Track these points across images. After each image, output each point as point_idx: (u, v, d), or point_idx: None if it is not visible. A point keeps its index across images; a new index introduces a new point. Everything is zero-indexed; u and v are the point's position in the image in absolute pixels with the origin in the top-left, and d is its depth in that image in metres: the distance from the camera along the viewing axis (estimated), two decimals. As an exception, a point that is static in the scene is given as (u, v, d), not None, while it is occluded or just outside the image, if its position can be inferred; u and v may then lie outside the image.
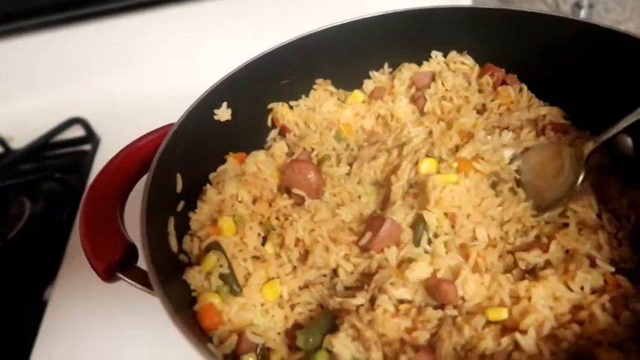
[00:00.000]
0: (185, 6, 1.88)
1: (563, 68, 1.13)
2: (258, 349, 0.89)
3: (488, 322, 0.84)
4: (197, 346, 0.74)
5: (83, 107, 1.85)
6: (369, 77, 1.32)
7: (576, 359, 0.78)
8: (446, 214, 0.98)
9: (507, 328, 0.83)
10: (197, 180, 1.09)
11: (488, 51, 1.24)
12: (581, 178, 0.97)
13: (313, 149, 1.18)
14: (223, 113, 1.15)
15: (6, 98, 1.94)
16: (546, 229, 0.97)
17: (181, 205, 1.02)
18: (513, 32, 1.17)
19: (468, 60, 1.26)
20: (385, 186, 1.09)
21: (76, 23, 1.88)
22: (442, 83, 1.24)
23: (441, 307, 0.88)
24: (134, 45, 1.90)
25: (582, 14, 1.76)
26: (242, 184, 1.08)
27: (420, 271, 0.91)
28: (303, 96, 1.29)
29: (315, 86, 1.29)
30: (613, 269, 0.88)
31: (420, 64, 1.30)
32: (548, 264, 0.91)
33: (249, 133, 1.22)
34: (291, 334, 0.92)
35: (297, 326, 0.94)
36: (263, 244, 1.04)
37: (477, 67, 1.26)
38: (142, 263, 0.85)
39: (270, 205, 1.09)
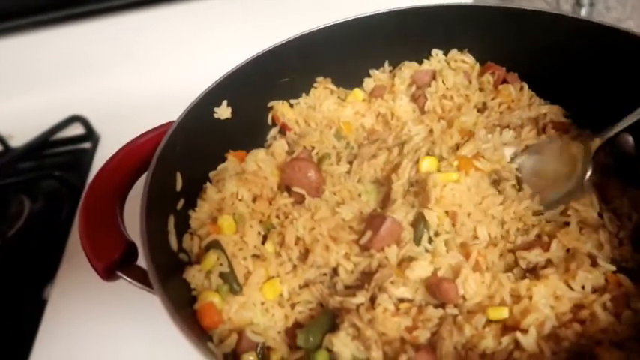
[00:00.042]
0: (185, 4, 1.88)
1: (564, 67, 1.12)
2: (258, 348, 0.89)
3: (489, 321, 0.84)
4: (197, 345, 0.74)
5: (83, 105, 1.84)
6: (369, 75, 1.32)
7: (577, 358, 0.78)
8: (447, 212, 0.98)
9: (508, 327, 0.83)
10: (197, 178, 1.08)
11: (488, 49, 1.24)
12: (589, 173, 0.97)
13: (313, 147, 1.18)
14: (223, 111, 1.14)
15: (5, 96, 1.94)
16: (547, 228, 0.96)
17: (181, 203, 1.02)
18: (514, 30, 1.17)
19: (469, 58, 1.26)
20: (385, 184, 1.09)
21: (76, 21, 1.87)
22: (443, 82, 1.23)
23: (442, 305, 0.88)
24: (134, 43, 1.89)
25: (583, 12, 1.76)
26: (242, 182, 1.07)
27: (421, 269, 0.90)
28: (304, 94, 1.29)
29: (315, 84, 1.29)
30: (614, 268, 0.87)
31: (420, 62, 1.29)
32: (549, 263, 0.90)
33: (250, 132, 1.22)
34: (291, 332, 0.92)
35: (298, 325, 0.94)
36: (263, 242, 1.03)
37: (477, 66, 1.26)
38: (142, 262, 0.85)
39: (271, 204, 1.08)
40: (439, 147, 1.08)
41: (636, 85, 0.99)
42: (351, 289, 0.94)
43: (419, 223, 0.97)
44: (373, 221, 0.98)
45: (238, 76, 1.14)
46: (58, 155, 1.81)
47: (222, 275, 0.93)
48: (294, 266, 1.00)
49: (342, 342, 0.84)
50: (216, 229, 0.99)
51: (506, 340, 0.80)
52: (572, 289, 0.84)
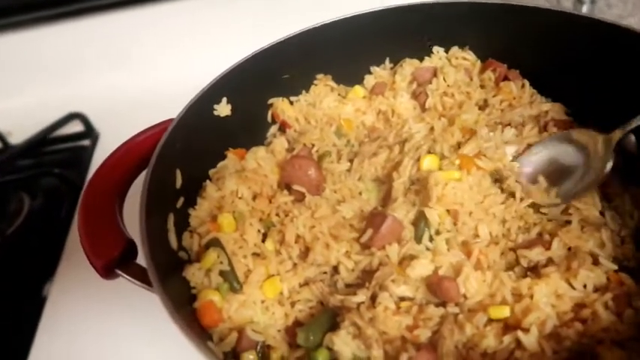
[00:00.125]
0: (186, 1, 1.87)
1: (565, 64, 1.12)
2: (259, 347, 0.89)
3: (490, 320, 0.83)
4: (197, 344, 0.74)
5: (82, 102, 1.84)
6: (369, 73, 1.31)
7: (579, 358, 0.78)
8: (448, 211, 0.97)
9: (509, 326, 0.82)
10: (197, 176, 1.08)
11: (490, 46, 1.24)
12: (609, 165, 0.96)
13: (314, 145, 1.18)
14: (223, 108, 1.14)
15: (4, 93, 1.93)
16: (548, 227, 0.96)
17: (181, 201, 1.01)
18: (515, 27, 1.17)
19: (470, 55, 1.26)
20: (386, 182, 1.09)
21: (75, 18, 1.87)
22: (444, 79, 1.23)
23: (443, 304, 0.87)
24: (134, 40, 1.88)
25: (584, 9, 1.75)
26: (242, 180, 1.07)
27: (422, 268, 0.90)
28: (304, 91, 1.28)
29: (315, 81, 1.29)
30: (616, 267, 0.87)
31: (421, 59, 1.29)
32: (550, 261, 0.90)
33: (249, 129, 1.22)
34: (291, 331, 0.92)
35: (298, 324, 0.94)
36: (263, 240, 1.03)
37: (478, 63, 1.25)
38: (141, 260, 0.84)
39: (271, 202, 1.08)
40: (440, 145, 1.08)
41: (638, 82, 0.98)
42: (352, 288, 0.94)
43: (420, 221, 0.96)
44: (374, 219, 0.98)
45: (238, 73, 1.13)
46: (58, 152, 1.81)
47: (222, 273, 0.92)
48: (295, 264, 1.00)
49: (343, 341, 0.83)
50: (216, 227, 0.99)
51: (507, 339, 0.80)
52: (573, 288, 0.84)
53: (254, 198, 1.08)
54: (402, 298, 0.89)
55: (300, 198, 1.08)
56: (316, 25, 1.19)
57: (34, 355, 1.20)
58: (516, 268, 0.92)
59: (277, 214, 1.06)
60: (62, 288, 1.32)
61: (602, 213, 0.97)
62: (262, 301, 0.94)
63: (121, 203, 0.98)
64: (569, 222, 0.95)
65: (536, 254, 0.91)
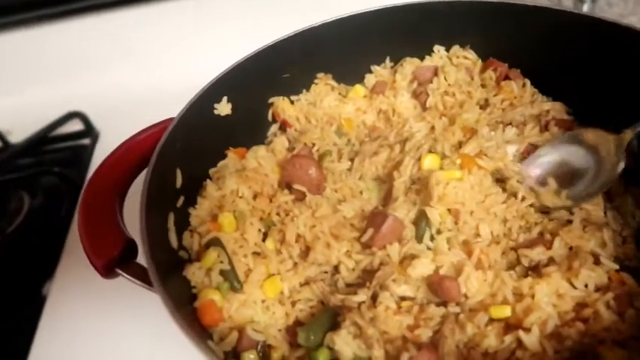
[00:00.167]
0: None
1: (566, 63, 1.12)
2: (259, 346, 0.88)
3: (491, 320, 0.83)
4: (197, 343, 0.74)
5: (82, 101, 1.83)
6: (370, 72, 1.31)
7: (580, 357, 0.78)
8: (449, 210, 0.97)
9: (510, 325, 0.82)
10: (197, 175, 1.08)
11: (491, 45, 1.23)
12: (621, 165, 0.95)
13: (314, 144, 1.18)
14: (223, 107, 1.14)
15: (4, 91, 1.93)
16: (550, 226, 0.96)
17: (181, 200, 1.01)
18: (516, 26, 1.16)
19: (471, 54, 1.25)
20: (387, 182, 1.09)
21: (75, 16, 1.86)
22: (445, 78, 1.23)
23: (444, 304, 0.87)
24: (134, 38, 1.88)
25: (585, 8, 1.75)
26: (242, 179, 1.07)
27: (423, 267, 0.90)
28: (304, 90, 1.28)
29: (316, 80, 1.28)
30: (617, 267, 0.87)
31: (422, 58, 1.28)
32: (551, 261, 0.90)
33: (250, 128, 1.21)
34: (292, 331, 0.92)
35: (298, 323, 0.94)
36: (264, 240, 1.03)
37: (479, 62, 1.25)
38: (142, 259, 0.84)
39: (271, 201, 1.08)
40: (441, 144, 1.08)
41: (638, 81, 0.98)
42: (353, 287, 0.94)
43: (421, 220, 0.96)
44: (375, 219, 0.98)
45: (239, 72, 1.13)
46: (57, 151, 1.81)
47: (222, 273, 0.92)
48: (295, 264, 1.00)
49: (344, 340, 0.83)
50: (216, 227, 0.99)
51: (508, 338, 0.80)
52: (575, 287, 0.84)
53: (254, 197, 1.07)
54: (403, 298, 0.89)
55: (300, 197, 1.07)
56: (317, 24, 1.19)
57: (34, 355, 1.20)
58: (517, 268, 0.92)
59: (278, 214, 1.06)
60: (62, 287, 1.31)
61: (604, 212, 0.97)
62: (263, 301, 0.94)
63: (121, 202, 0.97)
64: (570, 221, 0.95)
65: (538, 254, 0.91)
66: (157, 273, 0.79)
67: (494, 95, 1.19)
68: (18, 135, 1.82)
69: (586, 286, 0.84)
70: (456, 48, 1.26)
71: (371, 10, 1.20)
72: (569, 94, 1.14)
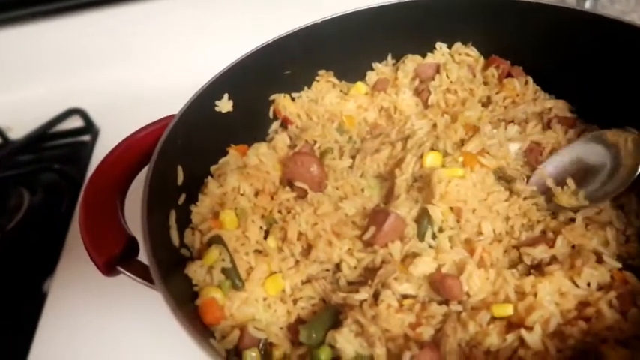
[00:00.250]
0: (185, -4, 1.86)
1: (568, 60, 1.12)
2: (261, 344, 0.88)
3: (494, 318, 0.83)
4: (199, 341, 0.74)
5: (82, 98, 1.83)
6: (372, 69, 1.31)
7: (582, 356, 0.78)
8: (451, 208, 0.97)
9: (513, 324, 0.82)
10: (198, 172, 1.08)
11: (493, 42, 1.23)
12: None
13: (315, 142, 1.17)
14: (225, 104, 1.13)
15: (4, 88, 1.92)
16: (552, 224, 0.95)
17: (182, 198, 1.01)
18: (518, 23, 1.16)
19: (473, 52, 1.25)
20: (389, 179, 1.08)
21: (75, 13, 1.86)
22: (447, 75, 1.22)
23: (446, 302, 0.87)
24: (134, 35, 1.87)
25: (587, 5, 1.75)
26: (244, 176, 1.06)
27: (425, 265, 0.90)
28: (305, 87, 1.28)
29: (317, 77, 1.28)
30: (620, 265, 0.87)
31: (424, 55, 1.28)
32: (553, 259, 0.90)
33: (251, 125, 1.21)
34: (293, 328, 0.92)
35: (300, 321, 0.94)
36: (265, 237, 1.03)
37: (481, 59, 1.25)
38: (143, 257, 0.84)
39: (273, 199, 1.08)
40: (443, 142, 1.08)
41: (641, 79, 0.98)
42: (354, 285, 0.94)
43: (423, 218, 0.96)
44: (376, 217, 0.97)
45: (240, 69, 1.13)
46: (57, 148, 1.81)
47: (224, 271, 0.92)
48: (297, 262, 0.99)
49: (345, 338, 0.83)
50: (217, 224, 0.99)
51: (510, 337, 0.80)
52: (577, 286, 0.84)
53: (256, 195, 1.07)
54: (405, 296, 0.88)
55: (302, 195, 1.07)
56: (318, 21, 1.18)
57: (34, 351, 1.20)
58: (520, 266, 0.92)
59: (279, 211, 1.06)
60: (63, 284, 1.31)
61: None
62: (264, 299, 0.94)
63: (122, 200, 0.97)
64: (573, 220, 0.95)
65: (540, 252, 0.90)
66: (158, 271, 0.79)
67: (497, 93, 1.19)
68: (18, 132, 1.82)
69: (588, 284, 0.84)
70: (458, 45, 1.26)
71: (372, 7, 1.19)
72: (572, 91, 1.14)
